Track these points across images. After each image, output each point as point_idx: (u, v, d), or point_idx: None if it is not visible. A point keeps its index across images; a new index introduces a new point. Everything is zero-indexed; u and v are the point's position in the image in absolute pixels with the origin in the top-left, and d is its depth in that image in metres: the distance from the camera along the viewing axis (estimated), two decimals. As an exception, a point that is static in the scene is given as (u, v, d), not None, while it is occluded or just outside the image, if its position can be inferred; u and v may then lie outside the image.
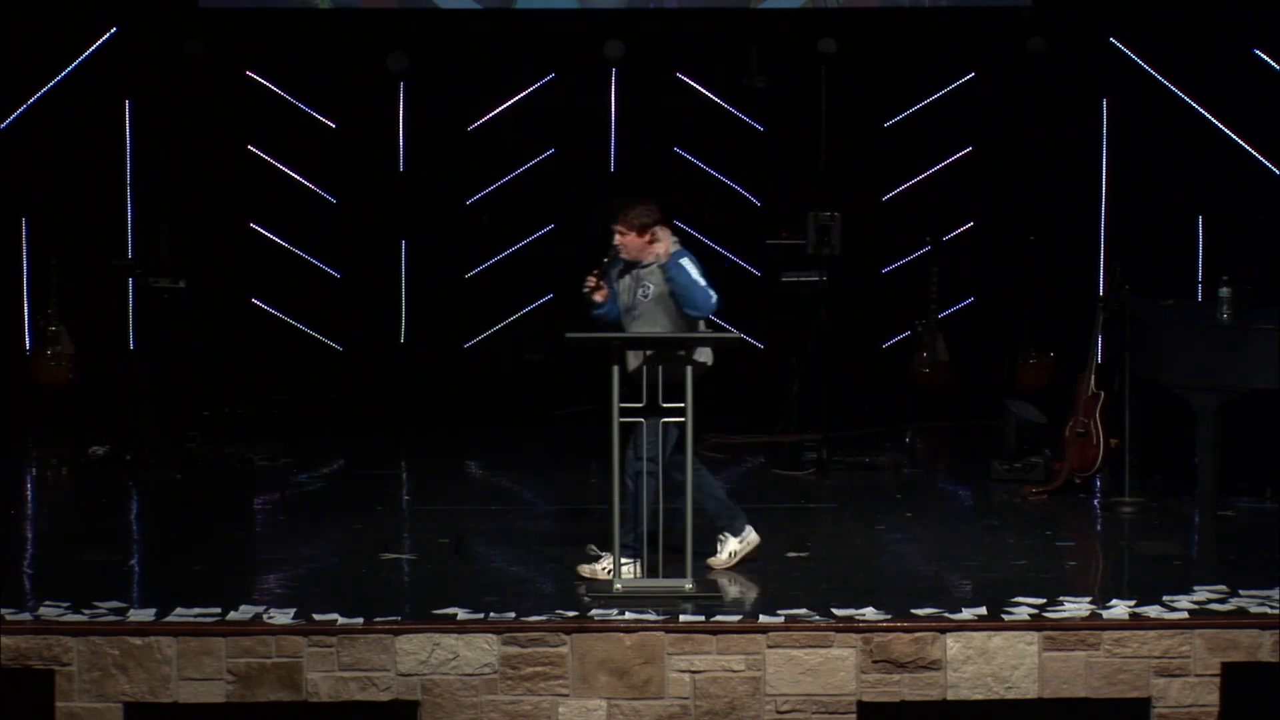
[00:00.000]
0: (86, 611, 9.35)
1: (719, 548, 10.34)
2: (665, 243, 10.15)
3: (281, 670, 9.15)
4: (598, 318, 10.19)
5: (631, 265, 10.18)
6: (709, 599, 9.61)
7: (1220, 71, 15.19)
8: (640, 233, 10.11)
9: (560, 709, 9.18)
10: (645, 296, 10.11)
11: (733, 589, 9.96)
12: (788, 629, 9.23)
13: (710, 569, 10.22)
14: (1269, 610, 9.41)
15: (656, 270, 10.12)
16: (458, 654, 9.18)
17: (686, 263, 10.10)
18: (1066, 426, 12.14)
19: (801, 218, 13.56)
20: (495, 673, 9.17)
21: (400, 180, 15.69)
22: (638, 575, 9.93)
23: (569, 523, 11.49)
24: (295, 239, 15.72)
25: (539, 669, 9.17)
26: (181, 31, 15.05)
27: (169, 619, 9.27)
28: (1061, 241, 15.38)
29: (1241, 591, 9.70)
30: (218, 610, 9.36)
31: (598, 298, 10.11)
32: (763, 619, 9.29)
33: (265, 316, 15.75)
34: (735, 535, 10.37)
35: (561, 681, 9.18)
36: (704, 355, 10.12)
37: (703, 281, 10.06)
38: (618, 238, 10.14)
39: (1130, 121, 15.43)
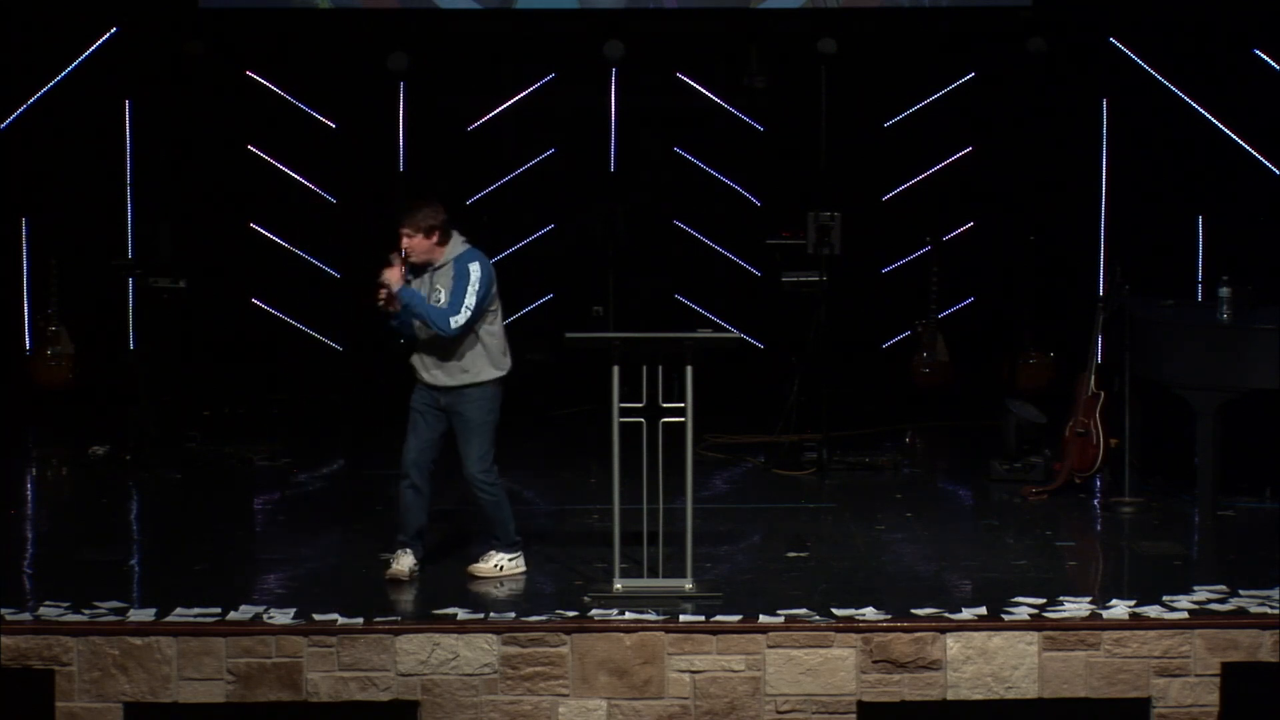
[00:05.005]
0: (86, 611, 9.35)
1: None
2: (454, 244, 10.04)
3: (281, 670, 9.15)
4: (394, 329, 10.11)
5: (424, 268, 10.02)
6: (709, 599, 9.61)
7: (1220, 71, 15.19)
8: (427, 235, 9.95)
9: (560, 709, 9.18)
10: (438, 301, 9.96)
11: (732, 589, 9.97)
12: (788, 629, 9.23)
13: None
14: (1269, 610, 9.41)
15: (449, 271, 9.98)
16: (458, 654, 9.18)
17: (475, 268, 9.94)
18: (1066, 426, 12.14)
19: (801, 218, 13.55)
20: (495, 673, 9.18)
21: (400, 180, 15.67)
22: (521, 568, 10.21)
23: (569, 523, 11.49)
24: (295, 239, 15.71)
25: (539, 669, 9.18)
26: (181, 31, 15.04)
27: (169, 619, 9.27)
28: (1061, 241, 15.38)
29: (1241, 591, 9.71)
30: (218, 610, 9.37)
31: (393, 309, 9.94)
32: (763, 619, 9.29)
33: (265, 316, 15.75)
34: (416, 559, 10.20)
35: (561, 681, 9.18)
36: (485, 373, 10.04)
37: (470, 298, 9.88)
38: (405, 240, 9.97)
39: (1130, 121, 15.43)
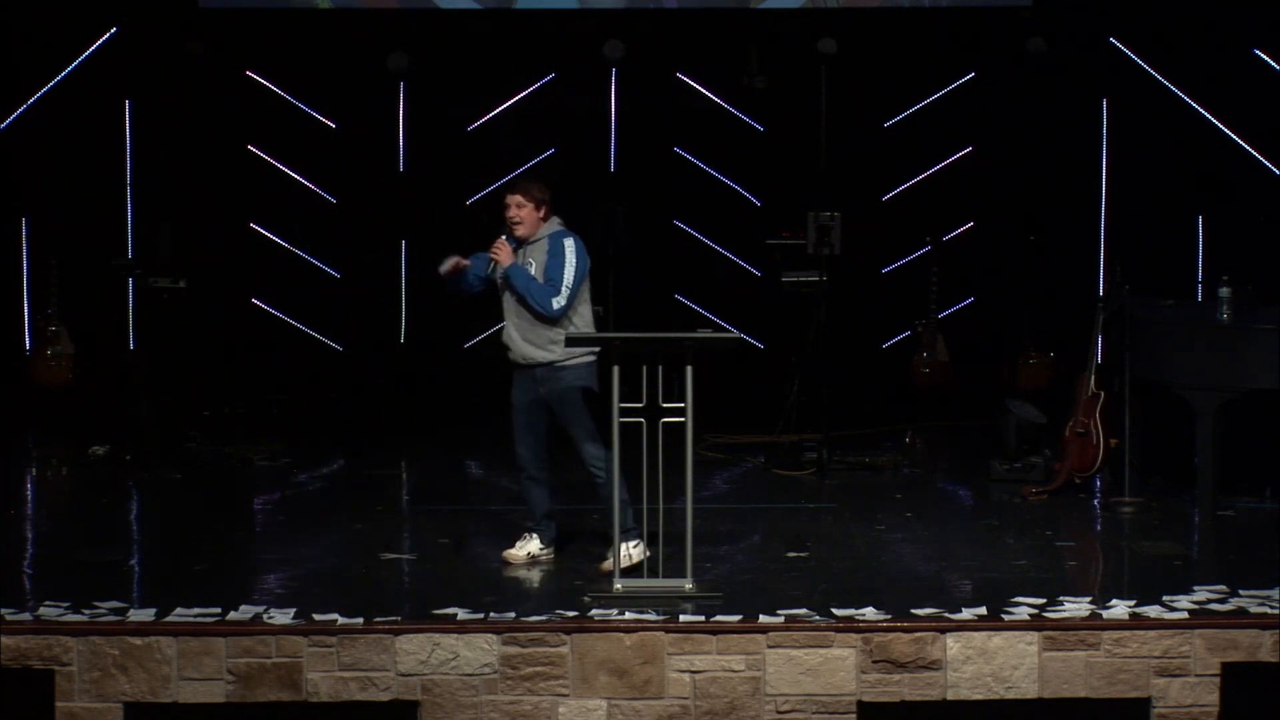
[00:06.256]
0: (86, 611, 9.35)
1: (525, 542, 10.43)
2: (552, 222, 10.25)
3: (281, 670, 9.15)
4: (461, 290, 10.32)
5: (519, 242, 10.20)
6: (709, 599, 9.61)
7: (1220, 71, 15.19)
8: (537, 207, 10.15)
9: (560, 709, 9.18)
10: (527, 270, 10.17)
11: (732, 589, 9.96)
12: (788, 629, 9.23)
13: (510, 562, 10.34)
14: (1269, 610, 9.41)
15: (543, 246, 10.15)
16: (458, 654, 9.18)
17: (570, 244, 10.15)
18: (1066, 426, 12.14)
19: (801, 218, 13.56)
20: (495, 673, 9.17)
21: (400, 180, 15.69)
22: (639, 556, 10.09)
23: (569, 523, 11.47)
24: (295, 239, 15.73)
25: (539, 669, 9.18)
26: (181, 31, 15.06)
27: (169, 619, 9.27)
28: (1061, 241, 15.38)
29: (1241, 591, 9.70)
30: (218, 610, 9.36)
31: (504, 261, 10.11)
32: (763, 619, 9.28)
33: (265, 316, 15.76)
34: (544, 543, 10.45)
35: (561, 681, 9.18)
36: (537, 353, 10.14)
37: (570, 275, 10.06)
38: (514, 209, 10.14)
39: (1130, 121, 15.43)
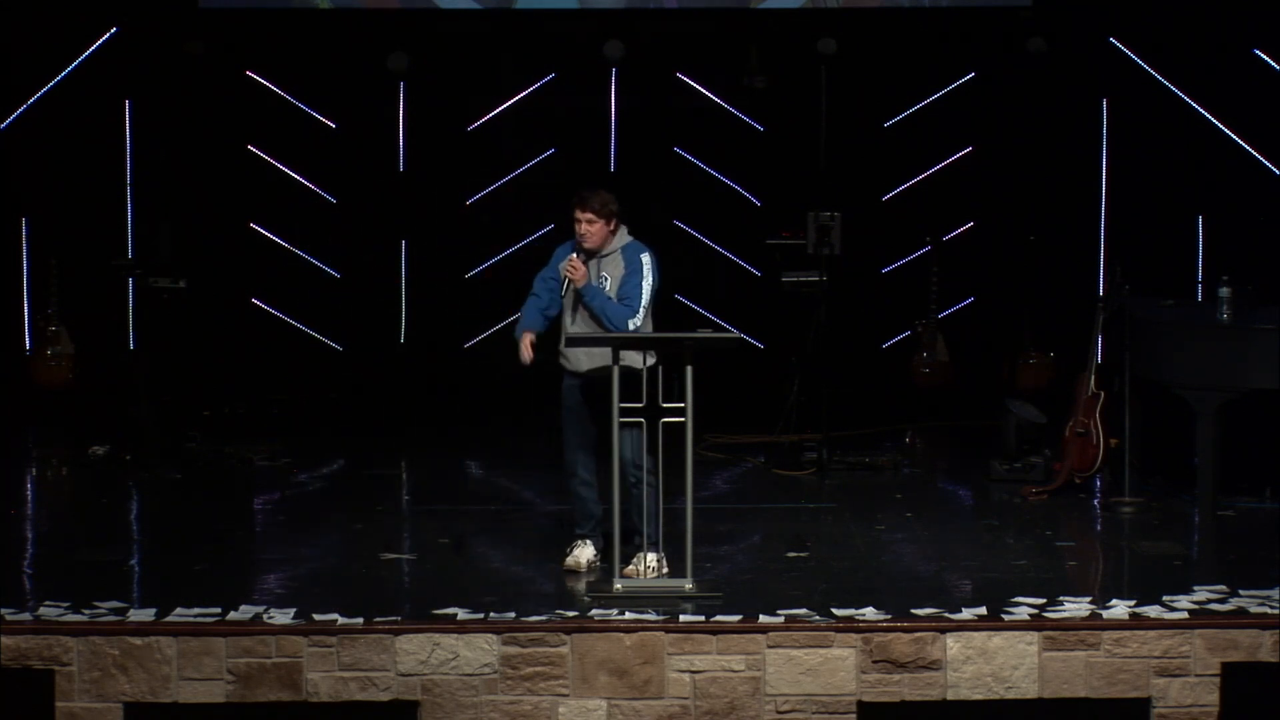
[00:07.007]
0: (86, 611, 9.35)
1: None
2: (622, 233, 10.22)
3: (281, 670, 9.15)
4: (540, 311, 10.27)
5: (590, 255, 10.14)
6: (709, 599, 9.61)
7: (1220, 71, 15.19)
8: (607, 221, 10.11)
9: (560, 709, 9.18)
10: (603, 287, 10.12)
11: (732, 589, 9.96)
12: (788, 629, 9.23)
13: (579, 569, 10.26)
14: (1269, 610, 9.41)
15: (618, 259, 10.12)
16: (458, 654, 9.18)
17: (647, 260, 10.15)
18: (1066, 426, 12.14)
19: (801, 218, 13.56)
20: (495, 673, 9.18)
21: (400, 180, 15.69)
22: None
23: (569, 522, 11.48)
24: (295, 239, 15.71)
25: (539, 669, 9.18)
26: (181, 31, 15.04)
27: (169, 619, 9.27)
28: (1061, 241, 15.38)
29: (1241, 591, 9.71)
30: (218, 610, 9.37)
31: (579, 281, 10.06)
32: (763, 619, 9.29)
33: (265, 316, 15.75)
34: (596, 549, 10.36)
35: (561, 681, 9.18)
36: (632, 360, 9.98)
37: (646, 295, 10.07)
38: (585, 225, 10.08)
39: (1130, 121, 15.43)
